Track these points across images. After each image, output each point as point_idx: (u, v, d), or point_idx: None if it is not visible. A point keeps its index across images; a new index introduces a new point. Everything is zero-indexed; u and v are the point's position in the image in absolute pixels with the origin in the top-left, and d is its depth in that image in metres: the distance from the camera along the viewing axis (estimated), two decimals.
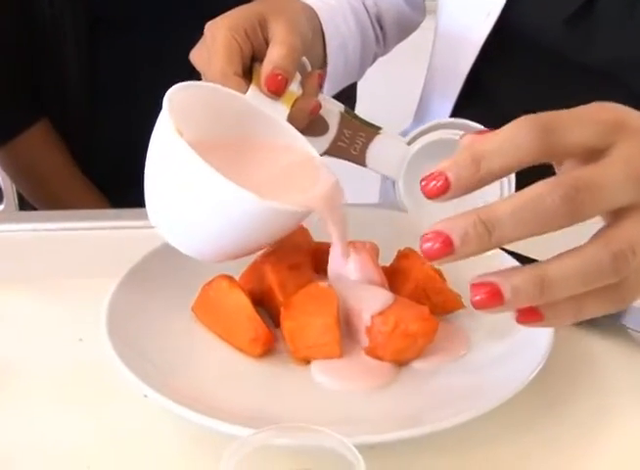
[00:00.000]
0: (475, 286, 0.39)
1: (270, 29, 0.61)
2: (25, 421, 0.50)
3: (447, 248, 0.38)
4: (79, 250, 0.71)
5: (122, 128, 0.98)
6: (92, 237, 0.73)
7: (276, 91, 0.59)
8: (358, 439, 0.41)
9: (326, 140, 0.67)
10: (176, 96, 0.52)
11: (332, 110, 0.68)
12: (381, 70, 1.29)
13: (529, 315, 0.40)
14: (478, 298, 0.39)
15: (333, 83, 0.78)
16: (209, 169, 0.47)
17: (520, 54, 0.78)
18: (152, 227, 0.71)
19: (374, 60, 0.90)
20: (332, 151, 0.68)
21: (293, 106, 0.61)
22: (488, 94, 0.82)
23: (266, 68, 0.59)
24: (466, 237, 0.37)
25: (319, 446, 0.40)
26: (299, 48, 0.61)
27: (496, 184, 0.70)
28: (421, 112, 0.93)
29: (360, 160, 0.69)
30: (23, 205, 1.12)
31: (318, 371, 0.52)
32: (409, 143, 0.70)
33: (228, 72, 0.59)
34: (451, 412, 0.46)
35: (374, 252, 0.58)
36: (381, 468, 0.42)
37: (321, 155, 0.66)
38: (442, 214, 0.70)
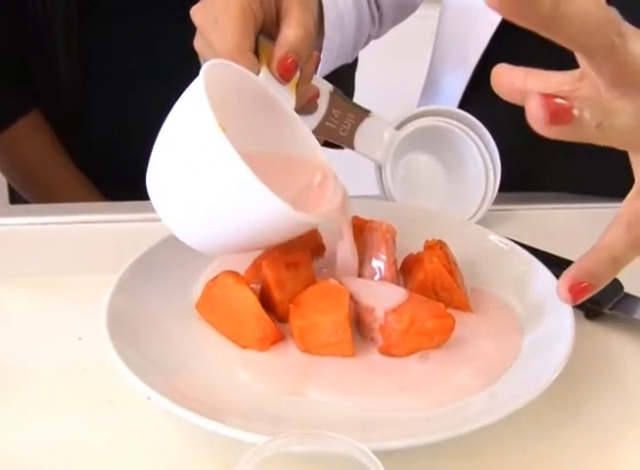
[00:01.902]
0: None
1: (284, 2, 0.58)
2: (23, 423, 0.48)
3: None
4: (77, 245, 0.69)
5: (115, 119, 0.97)
6: (90, 231, 0.71)
7: (286, 76, 0.56)
8: (374, 445, 0.39)
9: (314, 119, 0.66)
10: (208, 77, 0.48)
11: (322, 89, 0.66)
12: (380, 61, 1.27)
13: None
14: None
15: (327, 61, 0.76)
16: (253, 178, 0.46)
17: (534, 40, 0.76)
18: (152, 221, 0.69)
19: (367, 41, 0.87)
20: (320, 131, 0.67)
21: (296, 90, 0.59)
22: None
23: (281, 50, 0.56)
24: None
25: (336, 453, 0.38)
26: (313, 31, 0.58)
27: (482, 180, 0.70)
28: (429, 93, 0.90)
29: (348, 142, 0.68)
30: (15, 200, 1.10)
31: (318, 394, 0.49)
32: (397, 128, 0.69)
33: (244, 48, 0.55)
34: (470, 416, 0.45)
35: (389, 233, 0.56)
36: None
37: None
38: (430, 202, 0.70)
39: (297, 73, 0.58)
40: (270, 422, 0.45)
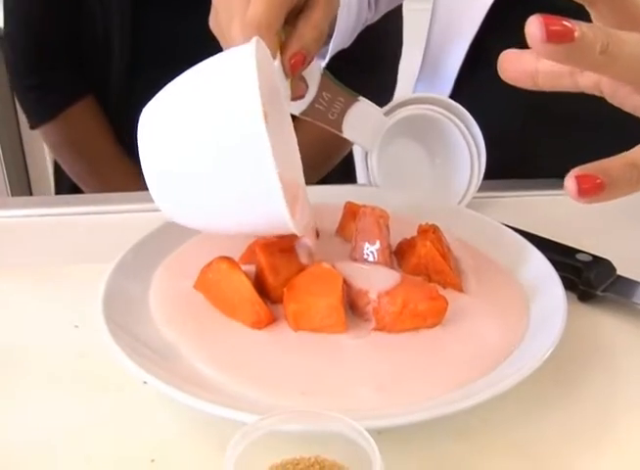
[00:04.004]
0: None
1: None
2: (21, 410, 0.49)
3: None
4: (73, 235, 0.69)
5: None
6: (85, 222, 0.72)
7: (294, 71, 0.55)
8: (367, 423, 0.39)
9: (304, 101, 0.66)
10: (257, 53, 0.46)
11: (312, 70, 0.66)
12: None
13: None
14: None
15: (335, 45, 0.75)
16: (277, 182, 0.45)
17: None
18: (146, 211, 0.70)
19: (363, 26, 0.87)
20: (309, 113, 0.66)
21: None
22: (492, 65, 0.80)
23: (297, 44, 0.54)
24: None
25: (329, 432, 0.38)
26: (327, 32, 0.56)
27: (467, 169, 0.70)
28: (425, 76, 0.90)
29: (337, 126, 0.68)
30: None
31: None
32: (385, 115, 0.70)
33: (273, 27, 0.51)
34: (461, 396, 0.45)
35: (382, 218, 0.57)
36: (390, 453, 0.40)
37: (299, 115, 0.65)
38: (415, 189, 0.70)
39: None
40: (267, 403, 0.45)
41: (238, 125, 0.46)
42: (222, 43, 0.56)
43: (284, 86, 0.56)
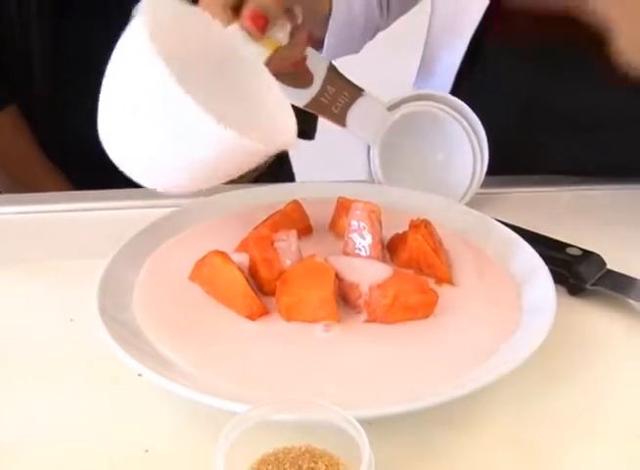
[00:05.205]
0: None
1: None
2: (17, 404, 0.49)
3: None
4: (68, 232, 0.70)
5: (88, 113, 0.97)
6: (81, 219, 0.72)
7: (253, 32, 0.55)
8: (357, 413, 0.40)
9: (308, 94, 0.66)
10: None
11: (319, 64, 0.66)
12: (372, 51, 1.27)
13: None
14: None
15: (334, 35, 0.74)
16: (203, 110, 0.46)
17: (521, 24, 0.77)
18: (141, 208, 0.71)
19: (375, 33, 0.87)
20: (313, 106, 0.66)
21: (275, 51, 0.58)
22: (488, 66, 0.81)
23: (252, 4, 0.55)
24: None
25: (320, 421, 0.39)
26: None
27: (469, 166, 0.70)
28: (425, 72, 0.91)
29: (340, 120, 0.68)
30: None
31: None
32: (388, 110, 0.70)
33: None
34: (453, 386, 0.46)
35: (374, 213, 0.57)
36: (381, 443, 0.41)
37: (303, 107, 0.65)
38: (417, 185, 0.70)
39: (282, 39, 0.58)
40: (261, 394, 0.45)
41: (137, 62, 0.50)
42: None
43: (252, 48, 0.56)
